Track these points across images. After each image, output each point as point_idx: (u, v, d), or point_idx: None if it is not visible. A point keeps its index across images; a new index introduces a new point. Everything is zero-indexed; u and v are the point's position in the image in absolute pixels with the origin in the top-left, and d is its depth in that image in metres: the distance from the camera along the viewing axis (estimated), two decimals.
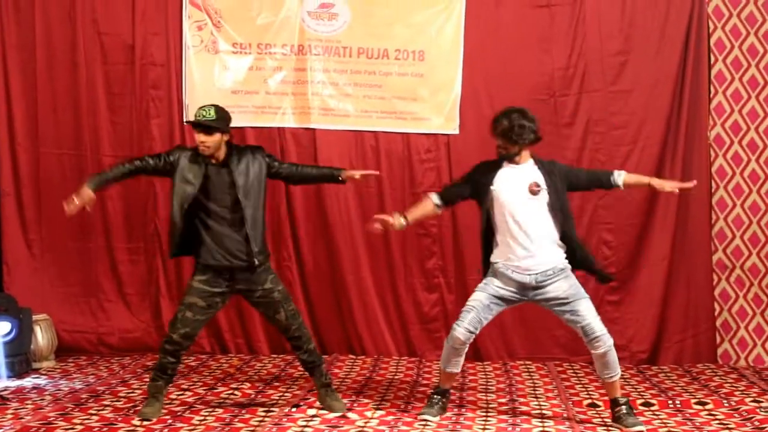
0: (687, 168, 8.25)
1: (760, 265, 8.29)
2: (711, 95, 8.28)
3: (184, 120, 8.30)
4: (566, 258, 6.03)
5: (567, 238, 6.02)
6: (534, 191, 5.93)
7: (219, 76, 8.37)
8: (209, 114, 6.04)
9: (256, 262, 6.07)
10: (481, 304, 6.02)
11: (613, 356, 5.97)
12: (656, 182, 6.22)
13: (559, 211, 5.96)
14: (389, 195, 8.41)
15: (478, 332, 6.08)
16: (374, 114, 8.41)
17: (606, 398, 6.75)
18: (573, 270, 6.05)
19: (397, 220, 6.14)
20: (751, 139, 8.30)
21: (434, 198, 6.25)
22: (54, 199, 8.26)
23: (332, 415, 6.14)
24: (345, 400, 6.52)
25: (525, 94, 8.08)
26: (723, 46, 8.28)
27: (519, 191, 5.95)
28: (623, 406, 6.03)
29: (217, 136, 6.03)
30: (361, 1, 8.38)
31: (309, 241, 8.33)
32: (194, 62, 8.34)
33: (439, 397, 6.23)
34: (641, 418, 6.12)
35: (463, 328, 5.99)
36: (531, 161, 6.05)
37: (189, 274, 8.14)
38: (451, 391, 6.47)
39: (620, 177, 6.09)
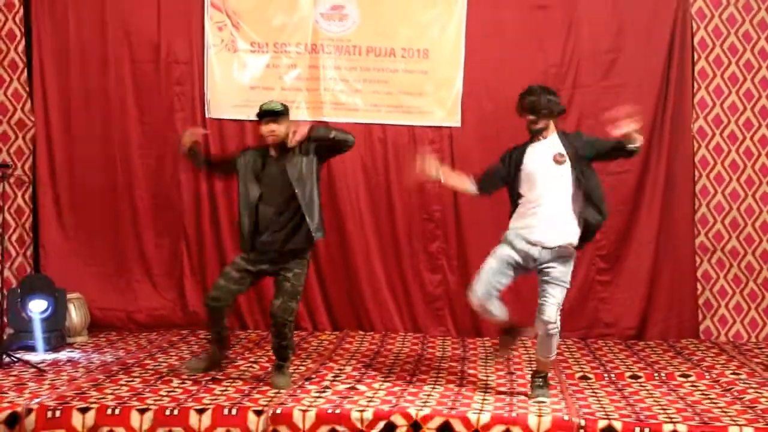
0: (672, 158, 8.30)
1: (740, 248, 8.35)
2: (694, 90, 8.32)
3: (206, 114, 8.38)
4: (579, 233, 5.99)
5: (591, 201, 5.93)
6: (558, 161, 5.87)
7: (238, 73, 8.40)
8: (276, 105, 6.22)
9: (288, 248, 6.23)
10: (491, 269, 5.95)
11: (555, 342, 6.00)
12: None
13: (581, 177, 5.88)
14: (396, 184, 8.44)
15: (495, 293, 5.97)
16: (382, 108, 8.44)
17: (597, 371, 6.88)
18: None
19: (435, 171, 6.13)
20: (732, 131, 8.34)
21: (471, 186, 6.21)
22: (86, 188, 8.43)
23: (342, 387, 6.19)
24: (355, 373, 6.62)
25: (522, 90, 8.12)
26: (705, 44, 8.31)
27: (545, 161, 5.90)
28: (540, 379, 6.09)
29: (284, 125, 6.18)
30: (370, 3, 8.40)
31: None
32: (215, 60, 8.38)
33: (508, 332, 6.24)
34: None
35: (475, 290, 5.93)
36: (555, 134, 5.99)
37: (210, 257, 8.40)
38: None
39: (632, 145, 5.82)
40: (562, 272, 5.92)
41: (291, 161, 6.18)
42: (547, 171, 5.89)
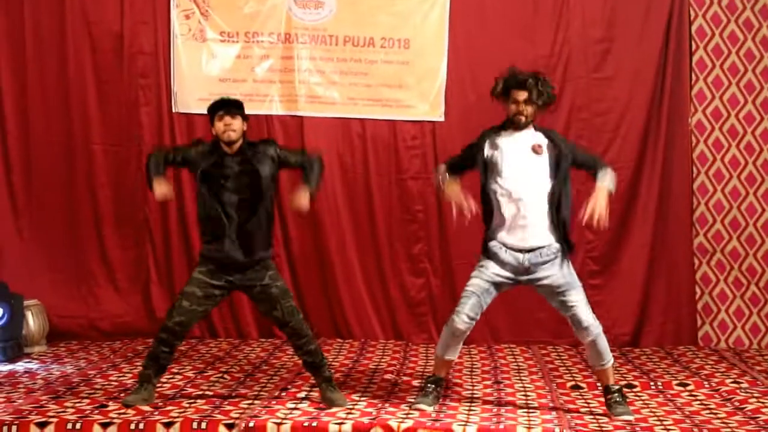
0: (668, 154, 8.32)
1: (741, 249, 8.37)
2: (692, 82, 8.33)
3: (173, 108, 8.35)
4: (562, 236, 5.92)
5: (558, 204, 5.89)
6: (537, 151, 5.85)
7: (207, 64, 8.38)
8: (230, 98, 6.05)
9: (256, 258, 5.99)
10: (480, 289, 5.87)
11: (603, 344, 5.88)
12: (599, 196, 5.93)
13: (559, 172, 5.87)
14: (375, 181, 8.46)
15: (478, 318, 5.95)
16: (360, 101, 8.42)
17: (590, 380, 6.84)
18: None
19: (454, 187, 6.04)
20: (732, 126, 8.36)
21: (443, 171, 6.15)
22: (44, 187, 8.38)
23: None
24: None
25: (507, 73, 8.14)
26: (704, 33, 8.33)
27: (521, 151, 5.87)
28: (615, 394, 5.93)
29: (239, 120, 5.95)
30: None
31: (296, 227, 8.34)
32: (182, 50, 8.35)
33: (433, 386, 6.07)
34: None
35: (465, 315, 5.85)
36: (531, 127, 5.98)
37: (178, 260, 8.34)
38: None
39: (603, 180, 5.91)
40: (567, 276, 5.89)
41: (258, 161, 6.00)
42: (524, 163, 5.88)
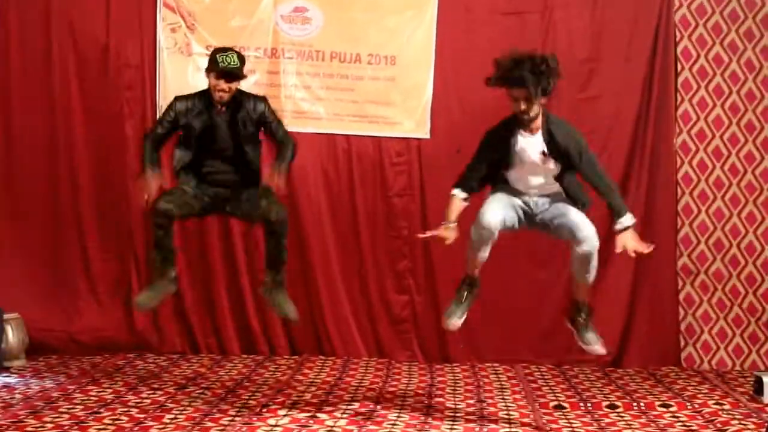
0: (653, 174, 8.28)
1: (724, 271, 8.33)
2: (677, 103, 8.31)
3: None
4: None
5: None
6: (545, 158, 5.74)
7: (192, 77, 8.24)
8: (233, 61, 6.12)
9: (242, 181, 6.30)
10: (500, 201, 5.74)
11: (594, 260, 5.82)
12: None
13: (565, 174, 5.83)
14: (361, 198, 8.38)
15: (501, 227, 5.68)
16: (346, 117, 8.36)
17: (573, 400, 6.81)
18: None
19: (450, 232, 5.76)
20: (716, 147, 8.33)
21: (459, 194, 5.90)
22: (27, 198, 8.26)
23: (302, 415, 6.06)
24: (315, 401, 6.50)
25: (495, 100, 7.98)
26: (689, 54, 8.31)
27: (534, 156, 5.75)
28: (583, 315, 5.96)
29: (236, 84, 6.13)
30: (334, 6, 8.35)
31: None
32: (168, 64, 8.28)
33: (468, 289, 5.89)
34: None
35: (490, 218, 5.57)
36: (540, 129, 5.77)
37: None
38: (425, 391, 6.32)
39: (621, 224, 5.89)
40: (565, 204, 5.82)
41: (244, 120, 6.28)
42: (536, 166, 5.79)
